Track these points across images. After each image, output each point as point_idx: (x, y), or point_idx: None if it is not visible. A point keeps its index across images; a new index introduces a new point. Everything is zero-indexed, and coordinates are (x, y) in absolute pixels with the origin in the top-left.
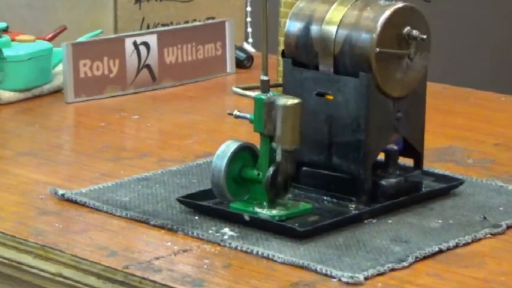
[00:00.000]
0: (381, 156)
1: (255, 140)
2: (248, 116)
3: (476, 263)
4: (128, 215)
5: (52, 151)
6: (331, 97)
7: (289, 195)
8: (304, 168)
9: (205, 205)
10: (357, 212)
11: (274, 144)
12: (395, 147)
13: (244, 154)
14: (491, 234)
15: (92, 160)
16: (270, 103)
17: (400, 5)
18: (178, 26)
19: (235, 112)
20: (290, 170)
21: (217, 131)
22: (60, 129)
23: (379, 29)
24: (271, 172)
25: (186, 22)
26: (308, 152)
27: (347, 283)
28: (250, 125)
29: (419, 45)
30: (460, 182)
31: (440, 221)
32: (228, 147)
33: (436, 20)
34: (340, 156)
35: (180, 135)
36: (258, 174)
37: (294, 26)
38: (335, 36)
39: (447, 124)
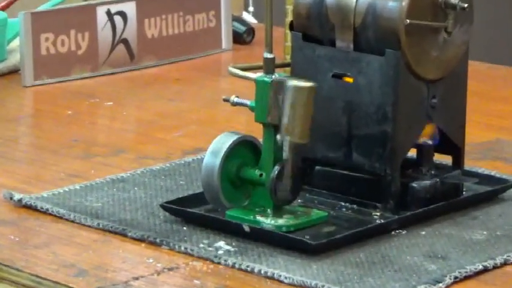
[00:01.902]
0: (412, 153)
1: (257, 132)
2: (248, 102)
3: None
4: (101, 225)
5: (7, 146)
6: (350, 80)
7: (299, 201)
8: (317, 167)
9: (195, 213)
10: (382, 221)
11: (280, 138)
12: (430, 142)
13: (243, 150)
14: None
15: (56, 157)
16: (275, 87)
17: None
18: None
19: (233, 98)
20: (300, 170)
21: (210, 122)
22: (16, 119)
23: None
24: (276, 172)
25: None
26: (322, 148)
27: None
28: (251, 114)
29: (459, 16)
30: (510, 185)
31: (485, 233)
32: (224, 142)
33: None
34: (362, 152)
35: (164, 127)
36: (261, 175)
37: None
38: (355, 5)
39: (493, 113)
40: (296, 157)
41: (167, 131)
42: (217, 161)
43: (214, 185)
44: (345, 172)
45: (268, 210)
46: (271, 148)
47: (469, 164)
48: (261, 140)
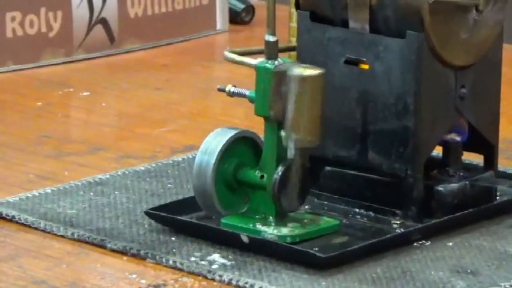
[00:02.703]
0: (437, 151)
1: (257, 127)
2: (247, 93)
3: None
4: (76, 235)
5: None
6: (366, 66)
7: (306, 207)
8: (327, 167)
9: (185, 221)
10: (402, 230)
11: (284, 134)
12: (458, 138)
13: (241, 148)
14: None
15: (23, 156)
16: (278, 75)
17: None
18: None
19: (229, 87)
20: (307, 171)
21: (202, 115)
22: None
23: None
24: (280, 173)
25: None
26: (333, 145)
27: None
28: (250, 106)
29: None
30: None
31: None
32: (219, 138)
33: None
34: (379, 150)
35: (149, 121)
36: (262, 177)
37: None
38: None
39: None
40: (303, 156)
41: (153, 126)
42: (211, 161)
43: (207, 189)
44: (359, 173)
45: (270, 217)
46: (273, 146)
47: (503, 164)
48: (262, 136)
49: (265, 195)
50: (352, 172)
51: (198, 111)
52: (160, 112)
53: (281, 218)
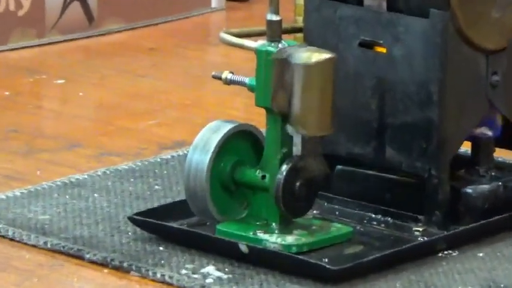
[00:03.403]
0: (465, 147)
1: (258, 120)
2: (246, 80)
3: None
4: (49, 244)
5: None
6: (383, 49)
7: (315, 212)
8: (339, 166)
9: (175, 228)
10: (425, 238)
11: (289, 128)
12: (489, 133)
13: (239, 144)
14: None
15: None
16: (282, 60)
17: None
18: None
19: (226, 74)
20: (316, 170)
21: (195, 106)
22: None
23: None
24: (284, 173)
25: None
26: (346, 141)
27: None
28: (250, 96)
29: None
30: None
31: None
32: (214, 133)
33: None
34: (399, 146)
35: (133, 113)
36: (263, 177)
37: None
38: None
39: None
40: (311, 153)
41: (138, 119)
42: (206, 159)
43: (201, 191)
44: (375, 173)
45: (273, 224)
46: (277, 141)
47: None
48: (263, 130)
49: (267, 198)
50: (368, 172)
51: (189, 102)
52: (146, 102)
53: (286, 225)
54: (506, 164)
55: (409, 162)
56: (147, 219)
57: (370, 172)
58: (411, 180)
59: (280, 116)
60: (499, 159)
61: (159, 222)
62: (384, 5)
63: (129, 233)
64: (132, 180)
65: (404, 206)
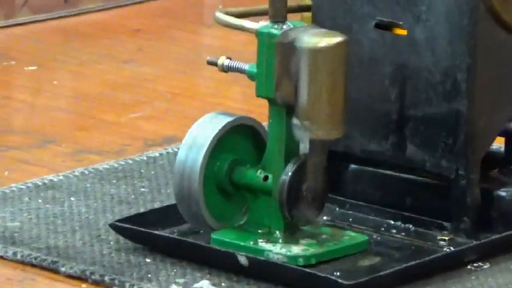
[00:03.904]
0: (498, 143)
1: (260, 112)
2: (246, 67)
3: None
4: (19, 256)
5: None
6: (403, 31)
7: (325, 218)
8: (352, 166)
9: (164, 236)
10: (452, 249)
11: (296, 122)
12: None
13: (238, 140)
14: None
15: None
16: (287, 44)
17: None
18: None
19: (222, 60)
20: (326, 172)
21: (187, 96)
22: None
23: None
24: (290, 174)
25: None
26: (361, 136)
27: None
28: (250, 85)
29: None
30: None
31: None
32: (208, 128)
33: None
34: (421, 143)
35: (115, 104)
36: (265, 178)
37: None
38: None
39: None
40: (321, 151)
41: (121, 111)
42: (199, 157)
43: (194, 194)
44: (394, 174)
45: (277, 232)
46: (281, 137)
47: None
48: (265, 125)
49: (270, 203)
50: (385, 172)
51: (180, 91)
52: (131, 92)
53: (291, 233)
54: None
55: (434, 160)
56: (132, 226)
57: (388, 172)
58: (436, 182)
59: (285, 108)
60: None
61: (146, 230)
62: None
63: (111, 243)
64: (114, 181)
65: (428, 211)
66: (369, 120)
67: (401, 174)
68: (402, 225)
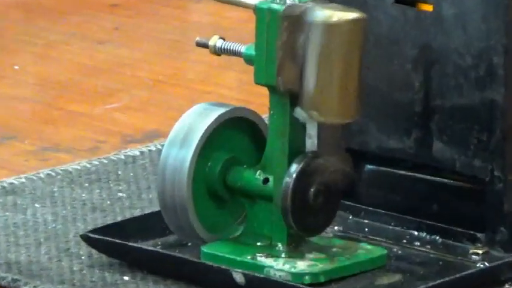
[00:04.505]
0: None
1: (258, 102)
2: (242, 49)
3: None
4: None
5: None
6: (428, 7)
7: (336, 228)
8: (369, 166)
9: (146, 250)
10: (487, 265)
11: (301, 113)
12: None
13: (233, 135)
14: None
15: None
16: (291, 21)
17: None
18: None
19: (215, 41)
20: (337, 171)
21: (172, 83)
22: None
23: None
24: (295, 176)
25: None
26: (378, 131)
27: None
28: (247, 70)
29: None
30: None
31: None
32: (198, 121)
33: None
34: (450, 139)
35: (88, 92)
36: (265, 181)
37: None
38: None
39: None
40: (331, 149)
41: (94, 101)
42: (187, 156)
43: (181, 200)
44: (418, 175)
45: (280, 245)
46: (283, 131)
47: None
48: (265, 117)
49: (270, 210)
50: (408, 173)
51: (164, 78)
52: (106, 79)
53: (296, 246)
54: None
55: (464, 160)
56: (107, 238)
57: (411, 174)
58: (467, 185)
59: (289, 97)
60: None
61: (124, 242)
62: None
63: (83, 257)
64: (86, 185)
65: (458, 219)
66: (388, 112)
67: (427, 176)
68: (427, 236)
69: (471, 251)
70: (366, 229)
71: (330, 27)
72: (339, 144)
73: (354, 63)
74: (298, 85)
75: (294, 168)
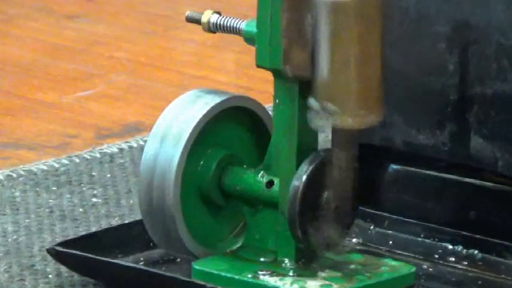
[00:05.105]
0: None
1: (260, 89)
2: (242, 25)
3: None
4: None
5: None
6: None
7: (355, 240)
8: (393, 166)
9: (125, 266)
10: None
11: (313, 103)
12: None
13: (230, 129)
14: None
15: None
16: None
17: None
18: None
19: (208, 16)
20: (355, 174)
21: (157, 66)
22: None
23: None
24: (304, 178)
25: None
26: (404, 124)
27: None
28: (247, 51)
29: None
30: None
31: None
32: (188, 112)
33: None
34: (491, 134)
35: (55, 77)
36: (269, 184)
37: None
38: None
39: None
40: (348, 144)
41: (63, 87)
42: (175, 154)
43: (168, 207)
44: (453, 177)
45: (286, 261)
46: (291, 125)
47: None
48: (268, 107)
49: (275, 219)
50: (440, 174)
51: (148, 60)
52: (78, 61)
53: (306, 262)
54: None
55: (508, 158)
56: (79, 252)
57: (444, 175)
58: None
59: (297, 84)
60: None
61: (99, 257)
62: None
63: (50, 276)
64: (54, 188)
65: (501, 230)
66: (417, 101)
67: (463, 178)
68: (464, 250)
69: None
70: (391, 242)
71: (344, 2)
72: (356, 140)
73: (375, 42)
74: (309, 70)
75: (304, 169)
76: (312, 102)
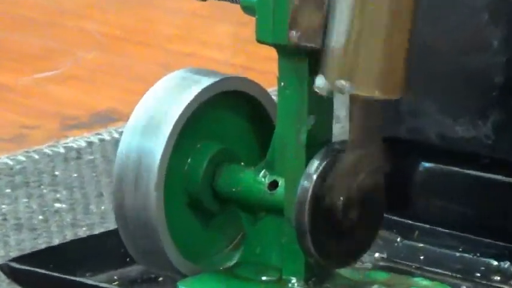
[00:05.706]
0: None
1: (261, 69)
2: None
3: None
4: None
5: None
6: None
7: (377, 255)
8: (425, 164)
9: (96, 287)
10: None
11: (324, 83)
12: None
13: (224, 119)
14: None
15: None
16: None
17: None
18: None
19: None
20: (378, 170)
21: (135, 41)
22: None
23: None
24: (315, 178)
25: None
26: (438, 113)
27: None
28: (245, 23)
29: None
30: None
31: None
32: (174, 97)
33: None
34: None
35: (12, 56)
36: (272, 185)
37: None
38: None
39: None
40: (371, 136)
41: (19, 67)
42: (157, 149)
43: (147, 213)
44: (498, 177)
45: (294, 280)
46: (299, 112)
47: None
48: (272, 91)
49: (280, 228)
50: (482, 174)
51: (125, 33)
52: (39, 35)
53: (318, 281)
54: None
55: None
56: (38, 269)
57: (488, 175)
58: None
59: (307, 60)
60: None
61: (63, 276)
62: None
63: None
64: (8, 191)
65: None
66: (454, 85)
67: (510, 179)
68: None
69: None
70: (422, 257)
71: None
72: (377, 132)
73: (402, 11)
74: (321, 43)
75: (315, 166)
76: (320, 80)
